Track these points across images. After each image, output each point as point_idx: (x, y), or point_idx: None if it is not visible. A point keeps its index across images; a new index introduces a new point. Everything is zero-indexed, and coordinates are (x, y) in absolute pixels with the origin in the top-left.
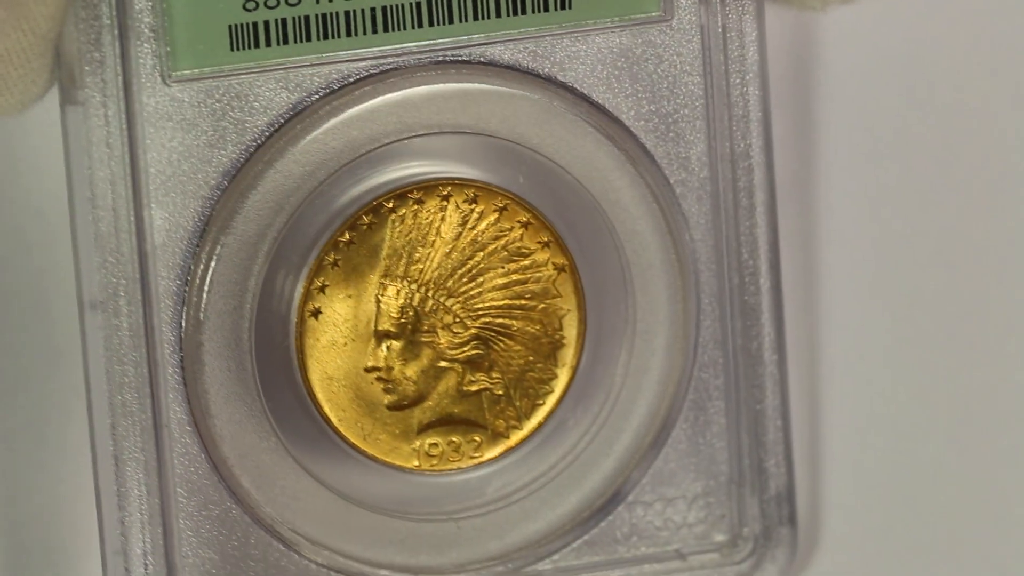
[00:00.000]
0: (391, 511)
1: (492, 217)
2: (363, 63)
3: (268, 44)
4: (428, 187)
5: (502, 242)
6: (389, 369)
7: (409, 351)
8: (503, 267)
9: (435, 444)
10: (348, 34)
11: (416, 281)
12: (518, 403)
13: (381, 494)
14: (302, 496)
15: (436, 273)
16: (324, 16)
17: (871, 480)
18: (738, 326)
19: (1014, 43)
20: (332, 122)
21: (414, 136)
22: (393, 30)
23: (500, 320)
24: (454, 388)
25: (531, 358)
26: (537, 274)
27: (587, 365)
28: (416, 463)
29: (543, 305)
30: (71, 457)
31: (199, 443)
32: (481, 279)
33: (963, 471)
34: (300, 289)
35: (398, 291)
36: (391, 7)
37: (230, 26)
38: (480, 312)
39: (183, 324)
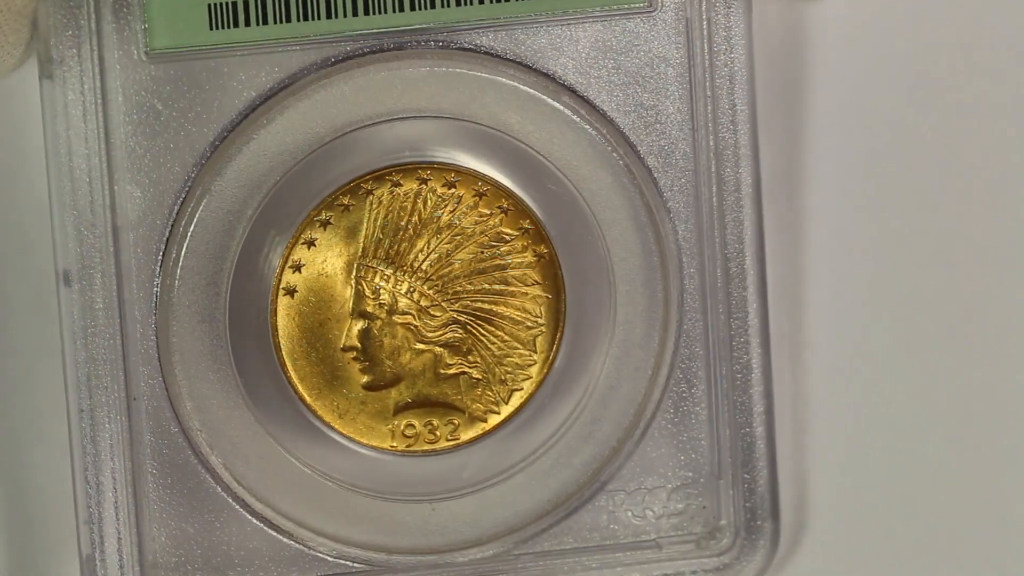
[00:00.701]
0: (366, 490)
1: (471, 202)
2: (343, 45)
3: (247, 24)
4: (407, 170)
5: (481, 227)
6: (365, 350)
7: (386, 332)
8: (482, 252)
9: (411, 425)
10: (328, 15)
11: (393, 263)
12: (496, 388)
13: (356, 473)
14: (276, 472)
15: (414, 256)
16: None
17: (856, 475)
18: (722, 319)
19: (1002, 36)
20: (309, 103)
21: (393, 119)
22: (374, 13)
23: (478, 304)
24: (431, 371)
25: (510, 344)
26: (517, 260)
27: (566, 353)
28: (392, 443)
29: (522, 291)
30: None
31: (172, 418)
32: (459, 263)
33: (948, 465)
34: (276, 267)
35: (375, 272)
36: None
37: (209, 5)
38: (458, 296)
39: (156, 299)
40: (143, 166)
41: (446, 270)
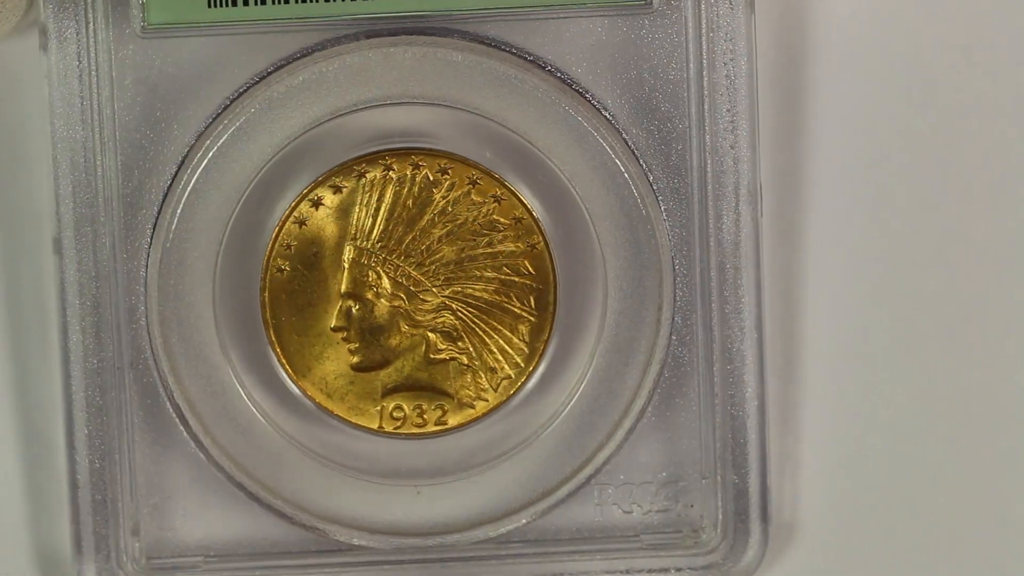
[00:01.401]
0: (351, 469)
1: (464, 189)
2: (340, 28)
3: (246, 3)
4: (400, 155)
5: (474, 215)
6: (355, 330)
7: (376, 314)
8: (474, 239)
9: (400, 407)
10: None
11: (386, 246)
12: (485, 375)
13: (342, 451)
14: (260, 445)
15: (406, 240)
16: None
17: (849, 476)
18: (716, 318)
19: (1004, 38)
20: (304, 84)
21: (387, 104)
22: None
23: (469, 291)
24: (421, 355)
25: (500, 332)
26: (509, 249)
27: (557, 344)
28: (379, 424)
29: (514, 281)
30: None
31: (160, 386)
32: (451, 249)
33: (942, 466)
34: (267, 244)
35: (367, 254)
36: None
37: None
38: (449, 281)
39: (147, 272)
40: (136, 139)
41: (438, 255)
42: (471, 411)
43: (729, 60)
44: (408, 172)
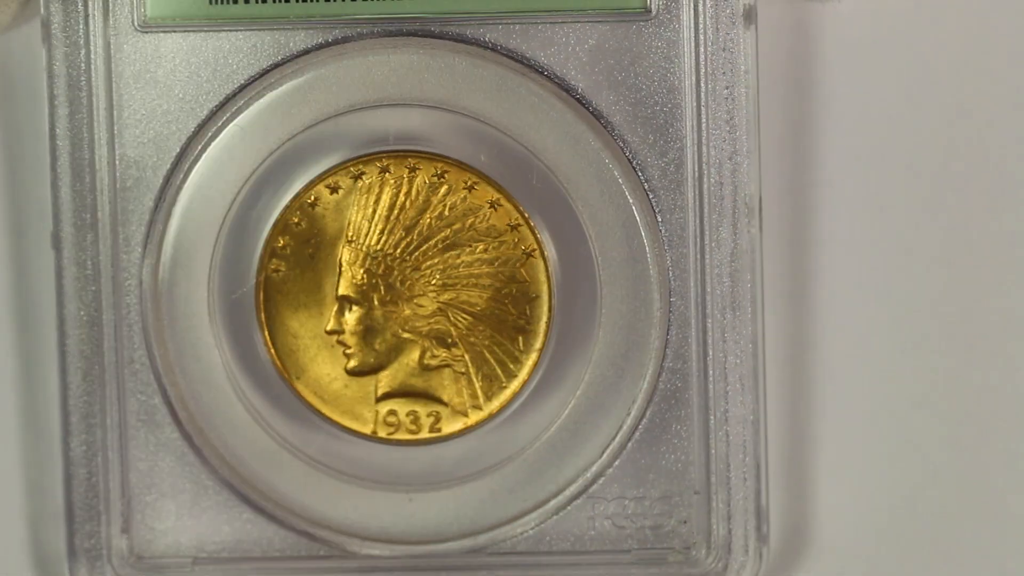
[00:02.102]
0: (343, 473)
1: (461, 194)
2: (340, 28)
3: (247, 0)
4: (397, 157)
5: (470, 220)
6: (350, 334)
7: (371, 319)
8: (470, 245)
9: (393, 412)
10: None
11: (381, 250)
12: (479, 383)
13: (335, 455)
14: (253, 447)
15: (401, 244)
16: None
17: (853, 493)
18: (716, 332)
19: (1007, 39)
20: (302, 84)
21: (384, 106)
22: None
23: (464, 297)
24: (416, 361)
25: (496, 340)
26: (505, 256)
27: (553, 353)
28: (372, 429)
29: (510, 288)
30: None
31: (155, 385)
32: (447, 255)
33: (951, 483)
34: (264, 245)
35: (361, 257)
36: None
37: None
38: (444, 287)
39: (144, 269)
40: (134, 135)
41: (433, 261)
42: (465, 419)
43: (728, 69)
44: (405, 175)
